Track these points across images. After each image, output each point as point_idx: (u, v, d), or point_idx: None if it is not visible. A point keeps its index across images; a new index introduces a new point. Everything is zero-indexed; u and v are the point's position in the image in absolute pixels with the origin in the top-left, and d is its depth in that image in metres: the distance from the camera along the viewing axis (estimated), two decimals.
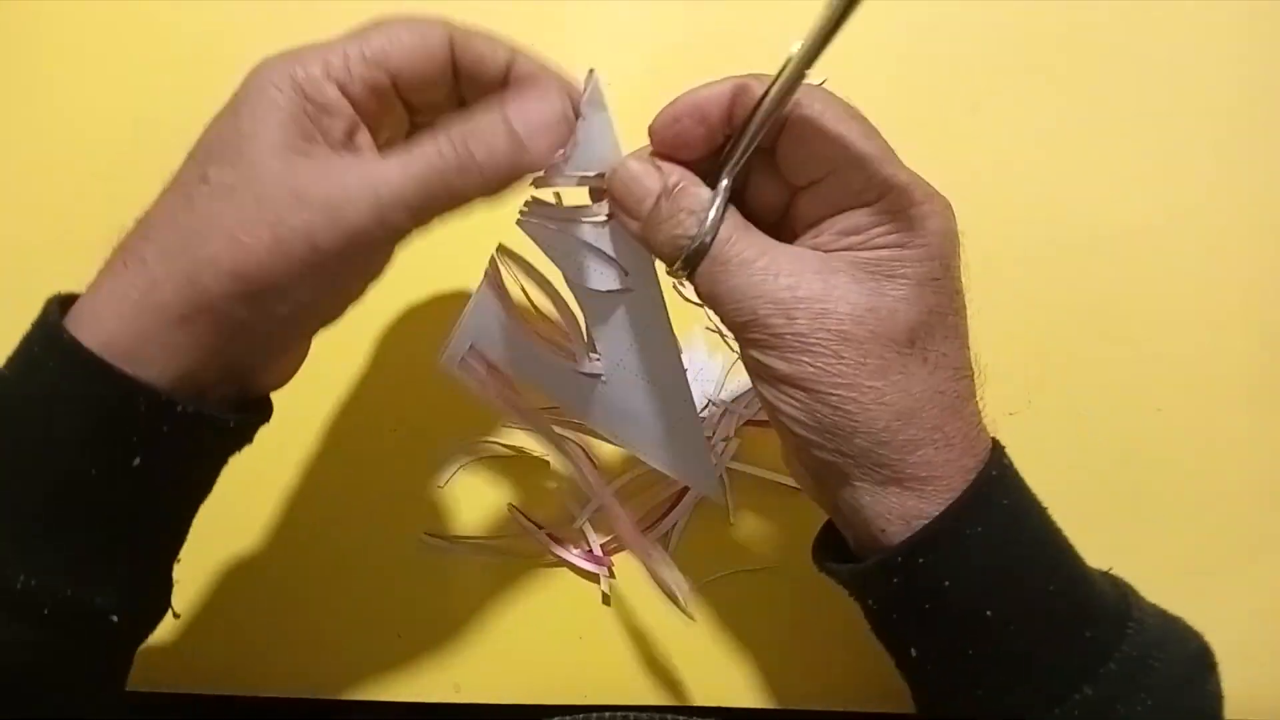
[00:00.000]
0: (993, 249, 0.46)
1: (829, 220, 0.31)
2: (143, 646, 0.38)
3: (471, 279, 0.37)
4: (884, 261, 0.30)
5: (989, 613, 0.30)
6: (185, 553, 0.44)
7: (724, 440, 0.45)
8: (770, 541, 0.44)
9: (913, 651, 0.32)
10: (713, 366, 0.45)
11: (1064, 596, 0.31)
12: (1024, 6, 0.48)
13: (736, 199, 0.32)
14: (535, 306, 0.43)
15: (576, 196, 0.34)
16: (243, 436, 0.33)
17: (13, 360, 0.30)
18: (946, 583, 0.30)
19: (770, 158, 0.32)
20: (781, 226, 0.32)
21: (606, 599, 0.44)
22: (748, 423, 0.45)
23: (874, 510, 0.31)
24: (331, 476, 0.45)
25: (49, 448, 0.29)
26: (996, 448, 0.32)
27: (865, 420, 0.29)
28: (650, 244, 0.32)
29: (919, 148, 0.47)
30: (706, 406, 0.45)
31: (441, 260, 0.47)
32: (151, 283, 0.29)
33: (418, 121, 0.34)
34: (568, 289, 0.36)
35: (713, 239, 0.30)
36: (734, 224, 0.31)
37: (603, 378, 0.36)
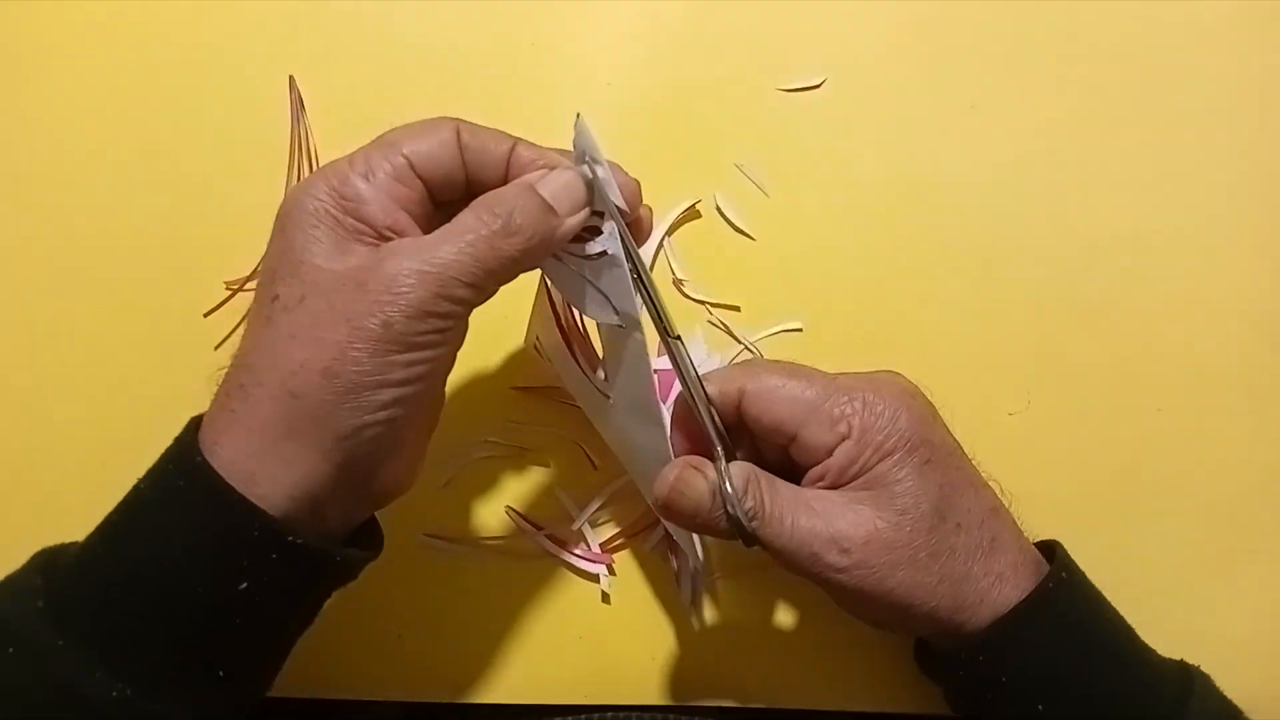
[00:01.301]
0: (992, 249, 0.46)
1: (825, 464, 0.35)
2: None
3: None
4: (883, 474, 0.35)
5: (1040, 706, 0.34)
6: None
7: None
8: None
9: None
10: (711, 364, 0.45)
11: (1119, 697, 0.35)
12: (1024, 6, 0.48)
13: (761, 463, 0.37)
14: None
15: None
16: (348, 572, 0.34)
17: (150, 475, 0.32)
18: (1003, 678, 0.35)
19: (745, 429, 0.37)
20: (788, 470, 0.37)
21: (606, 598, 0.44)
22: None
23: (948, 646, 0.36)
24: None
25: (168, 564, 0.30)
26: (1059, 554, 0.37)
27: (923, 602, 0.34)
28: (714, 532, 0.36)
29: (919, 148, 0.47)
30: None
31: None
32: (254, 405, 0.31)
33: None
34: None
35: (738, 509, 0.34)
36: (767, 483, 0.35)
37: (610, 399, 0.39)
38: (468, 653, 0.44)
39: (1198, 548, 0.44)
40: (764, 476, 0.35)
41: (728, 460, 0.36)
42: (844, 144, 0.47)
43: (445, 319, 0.31)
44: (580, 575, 0.44)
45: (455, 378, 0.45)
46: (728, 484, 0.35)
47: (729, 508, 0.34)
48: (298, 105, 0.47)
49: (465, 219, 0.32)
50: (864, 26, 0.48)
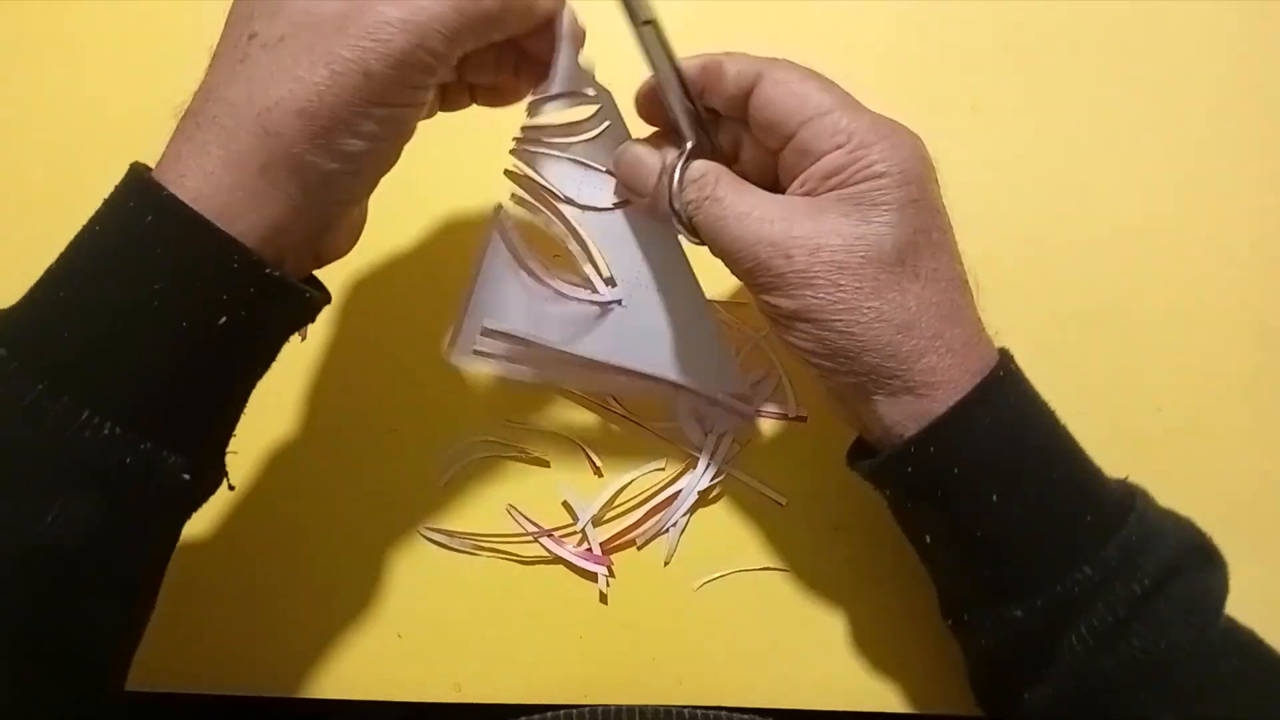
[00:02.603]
0: (992, 249, 0.46)
1: (810, 169, 0.34)
2: (143, 646, 0.38)
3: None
4: (865, 193, 0.33)
5: (994, 497, 0.33)
6: (184, 552, 0.44)
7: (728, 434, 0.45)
8: (770, 541, 0.44)
9: (927, 538, 0.36)
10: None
11: (1067, 485, 0.34)
12: (1024, 6, 0.48)
13: (733, 170, 0.36)
14: (542, 257, 0.42)
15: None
16: (309, 312, 0.34)
17: (104, 217, 0.31)
18: (955, 470, 0.33)
19: (747, 129, 0.36)
20: (774, 189, 0.36)
21: (606, 599, 0.44)
22: (755, 410, 0.45)
23: (891, 418, 0.34)
24: (331, 477, 0.45)
25: (145, 299, 0.29)
26: (1004, 354, 0.35)
27: (870, 339, 0.33)
28: (659, 213, 0.35)
29: None
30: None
31: (440, 261, 0.47)
32: (228, 138, 0.30)
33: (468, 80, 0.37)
34: (575, 222, 0.37)
35: (680, 185, 0.34)
36: (727, 182, 0.35)
37: (622, 302, 0.38)
38: (468, 653, 0.44)
39: None
40: (727, 175, 0.35)
41: (696, 155, 0.35)
42: None
43: (422, 73, 0.31)
44: (580, 575, 0.44)
45: (456, 376, 0.45)
46: (677, 170, 0.34)
47: (670, 193, 0.34)
48: None
49: None
50: (864, 27, 0.48)
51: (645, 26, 0.34)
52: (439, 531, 0.44)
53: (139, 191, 0.30)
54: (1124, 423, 0.45)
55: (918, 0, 0.48)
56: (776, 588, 0.44)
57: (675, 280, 0.38)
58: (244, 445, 0.45)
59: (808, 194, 0.34)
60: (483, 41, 0.33)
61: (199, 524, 0.45)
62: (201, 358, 0.31)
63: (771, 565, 0.44)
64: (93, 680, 0.33)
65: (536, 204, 0.38)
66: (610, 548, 0.44)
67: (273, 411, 0.45)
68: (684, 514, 0.44)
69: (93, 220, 0.31)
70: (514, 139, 0.37)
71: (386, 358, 0.46)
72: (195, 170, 0.30)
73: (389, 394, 0.46)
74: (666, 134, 0.37)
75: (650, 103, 0.37)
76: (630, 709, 0.40)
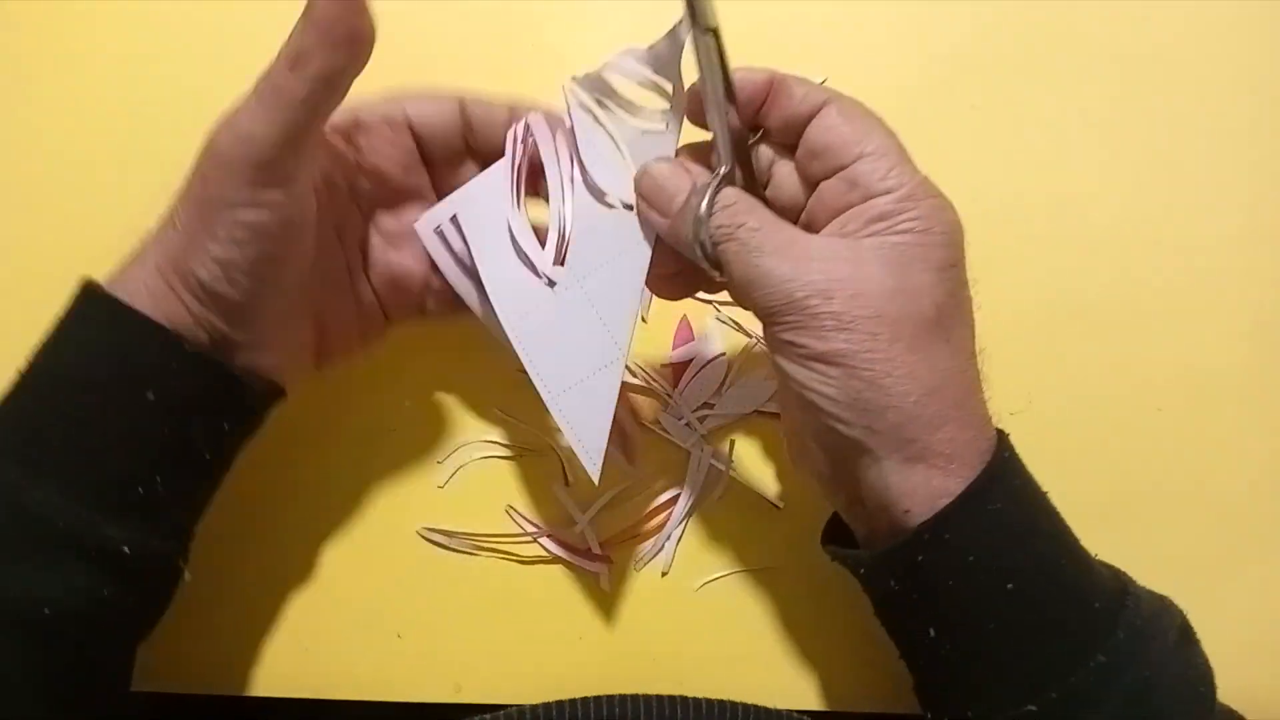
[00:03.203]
0: (992, 248, 0.46)
1: (855, 209, 0.33)
2: (143, 646, 0.38)
3: None
4: (908, 247, 0.32)
5: (1010, 585, 0.31)
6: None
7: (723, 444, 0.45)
8: (770, 541, 0.44)
9: (931, 631, 0.33)
10: (718, 366, 0.45)
11: (1074, 571, 0.33)
12: (1024, 6, 0.48)
13: (761, 199, 0.34)
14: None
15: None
16: (248, 401, 0.36)
17: (56, 324, 0.34)
18: (971, 557, 0.31)
19: (788, 155, 0.35)
20: (801, 225, 0.35)
21: (606, 599, 0.44)
22: (755, 411, 0.45)
23: (900, 489, 0.32)
24: (331, 478, 0.45)
25: (74, 377, 0.33)
26: (1003, 434, 0.34)
27: (898, 394, 0.31)
28: (678, 240, 0.34)
29: (919, 147, 0.47)
30: (701, 409, 0.45)
31: None
32: (146, 240, 0.35)
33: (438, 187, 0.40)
34: (573, 188, 0.36)
35: (709, 211, 0.32)
36: (761, 214, 0.33)
37: (557, 285, 0.36)
38: (468, 653, 0.44)
39: (1197, 548, 0.44)
40: (759, 206, 0.33)
41: (729, 183, 0.33)
42: None
43: (255, 169, 0.32)
44: (580, 575, 0.44)
45: (455, 376, 0.45)
46: (708, 195, 0.32)
47: (696, 220, 0.32)
48: None
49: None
50: (864, 26, 0.48)
51: (706, 35, 0.33)
52: (439, 531, 0.44)
53: (75, 291, 0.34)
54: (1124, 423, 0.45)
55: (918, 0, 0.48)
56: (776, 588, 0.44)
57: (616, 313, 0.35)
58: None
59: (845, 235, 0.33)
60: (309, 128, 0.33)
61: (199, 525, 0.45)
62: (137, 433, 0.33)
63: (771, 565, 0.44)
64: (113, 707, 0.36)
65: (567, 133, 0.37)
66: (611, 548, 0.44)
67: (273, 412, 0.45)
68: (680, 523, 0.44)
69: (47, 336, 0.34)
70: (574, 78, 0.36)
71: (387, 358, 0.46)
72: (128, 272, 0.35)
73: (389, 394, 0.46)
74: (698, 155, 0.36)
75: (694, 111, 0.35)
76: (633, 698, 0.39)
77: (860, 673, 0.43)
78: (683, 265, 0.35)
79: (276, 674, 0.43)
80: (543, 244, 0.36)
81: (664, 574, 0.44)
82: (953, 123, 0.47)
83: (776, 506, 0.44)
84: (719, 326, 0.46)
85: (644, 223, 0.35)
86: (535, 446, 0.45)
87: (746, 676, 0.43)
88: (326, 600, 0.44)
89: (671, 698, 0.39)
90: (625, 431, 0.43)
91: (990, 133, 0.47)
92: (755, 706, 0.39)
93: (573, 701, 0.39)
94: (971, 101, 0.47)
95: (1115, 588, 0.33)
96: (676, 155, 0.35)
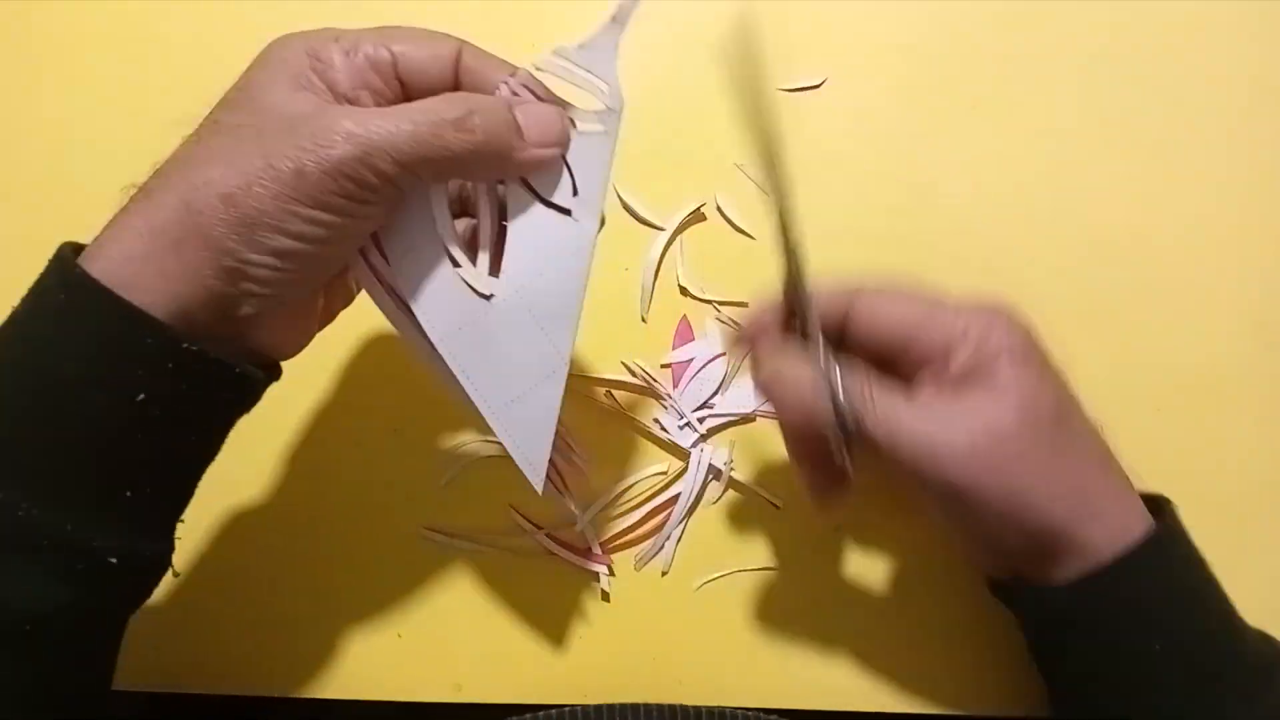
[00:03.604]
0: (992, 249, 0.46)
1: (941, 374, 0.34)
2: (143, 646, 0.38)
3: None
4: (1001, 372, 0.34)
5: (1158, 647, 0.33)
6: (183, 552, 0.44)
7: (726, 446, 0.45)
8: (770, 541, 0.44)
9: (1081, 676, 0.35)
10: (718, 366, 0.45)
11: (1222, 639, 0.34)
12: (1024, 6, 0.48)
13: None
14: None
15: None
16: (248, 391, 0.33)
17: (26, 298, 0.31)
18: (1119, 617, 0.33)
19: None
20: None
21: (606, 598, 0.44)
22: (755, 411, 0.45)
23: (1055, 569, 0.34)
24: (331, 478, 0.45)
25: (59, 380, 0.29)
26: (1168, 503, 0.36)
27: (1048, 503, 0.33)
28: (813, 423, 0.34)
29: (919, 147, 0.47)
30: (700, 409, 0.45)
31: None
32: (151, 208, 0.30)
33: None
34: (505, 193, 0.34)
35: (845, 397, 0.33)
36: (880, 389, 0.34)
37: (495, 299, 0.34)
38: (468, 653, 0.44)
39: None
40: (872, 375, 0.35)
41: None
42: (844, 144, 0.47)
43: (362, 188, 0.30)
44: (580, 575, 0.44)
45: None
46: (836, 372, 0.33)
47: (835, 395, 0.33)
48: None
49: (424, 102, 0.31)
50: (864, 26, 0.48)
51: (794, 248, 0.35)
52: (439, 531, 0.44)
53: (54, 268, 0.30)
54: (1124, 423, 0.45)
55: (918, 0, 0.48)
56: (776, 588, 0.44)
57: (556, 322, 0.35)
58: (244, 446, 0.45)
59: (947, 387, 0.34)
60: (444, 176, 0.33)
61: (199, 525, 0.45)
62: (124, 438, 0.30)
63: (771, 565, 0.44)
64: (96, 705, 0.34)
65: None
66: (611, 547, 0.44)
67: (274, 411, 0.45)
68: (680, 523, 0.44)
69: (21, 302, 0.31)
70: (512, 76, 0.34)
71: (388, 358, 0.46)
72: (112, 241, 0.30)
73: (391, 395, 0.46)
74: (774, 346, 0.37)
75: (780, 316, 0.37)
76: (632, 707, 0.39)
77: (860, 673, 0.43)
78: (813, 456, 0.36)
79: (276, 674, 0.43)
80: (470, 251, 0.35)
81: (664, 574, 0.44)
82: (953, 123, 0.47)
83: (776, 506, 0.44)
84: (719, 326, 0.46)
85: (780, 421, 0.36)
86: None
87: (746, 676, 0.43)
88: (326, 600, 0.44)
89: (671, 707, 0.39)
90: (566, 455, 0.42)
91: (990, 133, 0.47)
92: (754, 711, 0.39)
93: (583, 709, 0.39)
94: (971, 101, 0.47)
95: (1267, 663, 0.34)
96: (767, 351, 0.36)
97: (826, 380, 0.34)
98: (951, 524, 0.36)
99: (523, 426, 0.35)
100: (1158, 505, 0.36)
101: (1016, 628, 0.39)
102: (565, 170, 0.34)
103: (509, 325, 0.34)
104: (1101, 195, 0.46)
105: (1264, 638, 0.35)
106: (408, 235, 0.33)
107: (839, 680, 0.43)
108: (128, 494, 0.31)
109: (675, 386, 0.45)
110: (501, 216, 0.34)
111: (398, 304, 0.35)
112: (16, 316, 0.31)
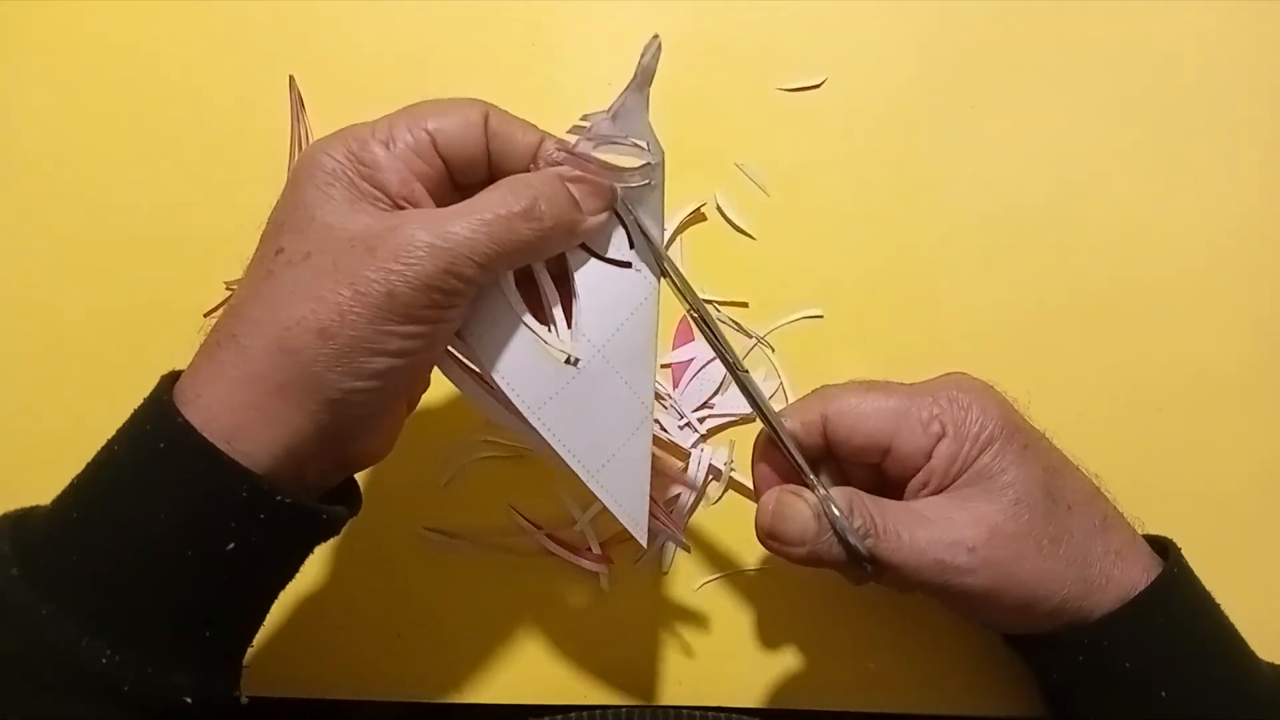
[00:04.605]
0: (992, 249, 0.46)
1: (926, 471, 0.35)
2: None
3: None
4: (992, 466, 0.34)
5: (1163, 693, 0.33)
6: None
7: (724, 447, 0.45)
8: None
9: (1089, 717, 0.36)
10: (718, 366, 0.45)
11: (1234, 683, 0.34)
12: (1024, 6, 0.48)
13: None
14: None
15: None
16: (333, 528, 0.33)
17: (123, 437, 0.31)
18: (1126, 664, 0.34)
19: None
20: (885, 490, 0.37)
21: (606, 598, 0.44)
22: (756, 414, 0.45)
23: (1060, 618, 0.35)
24: None
25: (151, 526, 0.29)
26: (1172, 546, 0.36)
27: (1057, 584, 0.34)
28: (822, 559, 0.35)
29: (919, 148, 0.47)
30: (701, 409, 0.45)
31: None
32: (246, 357, 0.30)
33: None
34: (572, 256, 0.35)
35: (849, 529, 0.34)
36: (873, 504, 0.35)
37: (581, 363, 0.34)
38: (468, 653, 0.44)
39: (1197, 547, 0.44)
40: (867, 496, 0.35)
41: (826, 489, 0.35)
42: (844, 144, 0.47)
43: (450, 295, 0.30)
44: (580, 575, 0.44)
45: None
46: (833, 506, 0.34)
47: (838, 530, 0.34)
48: (298, 105, 0.47)
49: (488, 197, 0.31)
50: (864, 26, 0.48)
51: (745, 374, 0.36)
52: (439, 532, 0.44)
53: (156, 415, 0.30)
54: (1124, 423, 0.45)
55: (918, 0, 0.48)
56: (776, 588, 0.44)
57: (638, 372, 0.35)
58: None
59: (934, 492, 0.35)
60: (518, 265, 0.33)
61: None
62: (209, 584, 0.30)
63: (771, 565, 0.44)
64: None
65: None
66: (611, 548, 0.44)
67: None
68: (684, 515, 0.44)
69: (114, 439, 0.31)
70: (559, 154, 0.34)
71: None
72: (211, 390, 0.30)
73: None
74: (781, 478, 0.38)
75: (767, 449, 0.38)
76: (631, 709, 0.39)
77: (860, 673, 0.43)
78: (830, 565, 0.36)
79: (276, 674, 0.43)
80: (544, 322, 0.35)
81: (664, 574, 0.44)
82: (953, 123, 0.47)
83: None
84: (719, 327, 0.46)
85: (644, 198, 0.35)
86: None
87: (746, 676, 0.43)
88: (327, 600, 0.44)
89: (656, 709, 0.39)
90: (665, 511, 0.43)
91: (990, 133, 0.47)
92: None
93: (589, 709, 0.39)
94: (971, 101, 0.47)
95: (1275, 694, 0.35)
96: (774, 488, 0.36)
97: (826, 515, 0.34)
98: (962, 614, 0.37)
99: (621, 484, 0.36)
100: (1162, 546, 0.36)
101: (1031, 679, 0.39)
102: (620, 225, 0.35)
103: (596, 386, 0.35)
104: (1102, 195, 0.46)
105: (1277, 671, 0.36)
106: (484, 319, 0.34)
107: (839, 680, 0.43)
108: (206, 634, 0.31)
109: (675, 386, 0.45)
110: (568, 281, 0.35)
111: (484, 386, 0.35)
112: (117, 460, 0.31)
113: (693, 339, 0.46)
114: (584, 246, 0.35)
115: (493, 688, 0.44)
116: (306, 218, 0.31)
